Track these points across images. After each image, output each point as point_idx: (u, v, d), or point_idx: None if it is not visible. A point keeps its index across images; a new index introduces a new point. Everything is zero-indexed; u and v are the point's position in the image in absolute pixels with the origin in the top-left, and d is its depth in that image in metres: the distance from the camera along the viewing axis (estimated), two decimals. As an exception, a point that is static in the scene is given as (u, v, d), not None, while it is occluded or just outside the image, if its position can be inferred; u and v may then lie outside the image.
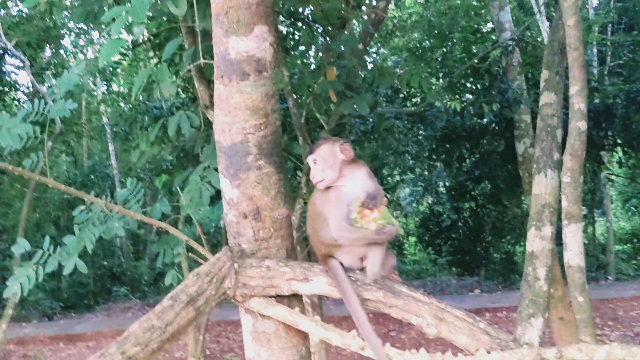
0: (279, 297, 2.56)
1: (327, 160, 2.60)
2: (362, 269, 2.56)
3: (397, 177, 18.84)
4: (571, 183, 3.94)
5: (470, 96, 12.87)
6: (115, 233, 2.90)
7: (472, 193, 16.32)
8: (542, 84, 5.34)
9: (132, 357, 2.24)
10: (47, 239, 2.94)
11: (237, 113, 2.51)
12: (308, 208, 2.71)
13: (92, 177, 18.19)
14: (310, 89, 6.51)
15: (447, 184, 17.58)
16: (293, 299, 2.63)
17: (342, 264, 2.54)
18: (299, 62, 8.07)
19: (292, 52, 7.79)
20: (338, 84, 5.89)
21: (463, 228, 17.41)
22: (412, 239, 20.40)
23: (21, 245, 2.98)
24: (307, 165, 2.67)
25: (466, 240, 17.14)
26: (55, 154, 19.41)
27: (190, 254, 2.76)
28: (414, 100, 13.35)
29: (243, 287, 2.49)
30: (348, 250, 2.55)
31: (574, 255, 3.98)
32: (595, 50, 13.25)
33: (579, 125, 3.90)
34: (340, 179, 2.62)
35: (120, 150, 19.51)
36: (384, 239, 2.53)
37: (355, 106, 5.87)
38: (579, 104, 3.91)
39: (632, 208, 20.64)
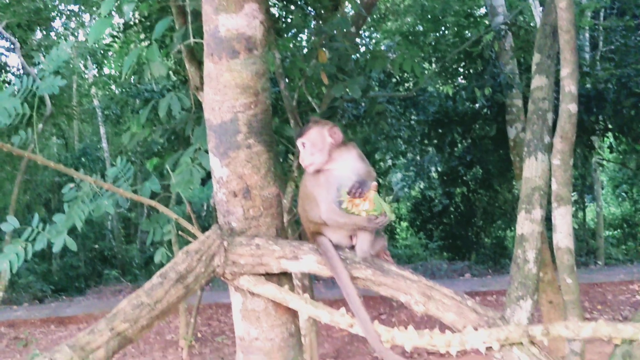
0: (268, 276, 2.57)
1: (316, 144, 2.61)
2: (352, 247, 2.57)
3: (389, 162, 18.85)
4: (561, 166, 3.95)
5: (463, 81, 12.87)
6: (105, 214, 2.90)
7: (464, 178, 16.37)
8: (533, 67, 5.34)
9: (121, 333, 2.25)
10: (37, 216, 2.93)
11: (227, 91, 2.50)
12: (300, 188, 2.71)
13: (83, 159, 18.12)
14: (302, 72, 6.49)
15: (439, 169, 17.61)
16: (282, 277, 2.64)
17: (331, 241, 2.55)
18: (291, 45, 8.04)
19: (285, 35, 7.76)
20: (330, 66, 5.87)
21: (454, 213, 17.48)
22: (404, 224, 20.46)
23: (10, 223, 2.97)
24: (297, 149, 2.66)
25: (457, 225, 17.21)
26: (46, 136, 19.35)
27: (180, 232, 2.76)
28: (406, 85, 13.34)
29: (232, 265, 2.50)
30: (337, 229, 2.56)
31: (563, 237, 4.00)
32: (587, 35, 13.24)
33: (569, 107, 3.90)
34: (330, 162, 2.62)
35: (111, 133, 19.46)
36: (374, 228, 2.53)
37: (347, 89, 5.86)
38: (569, 86, 3.91)
39: (623, 194, 20.73)
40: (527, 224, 5.06)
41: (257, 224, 2.61)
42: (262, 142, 2.58)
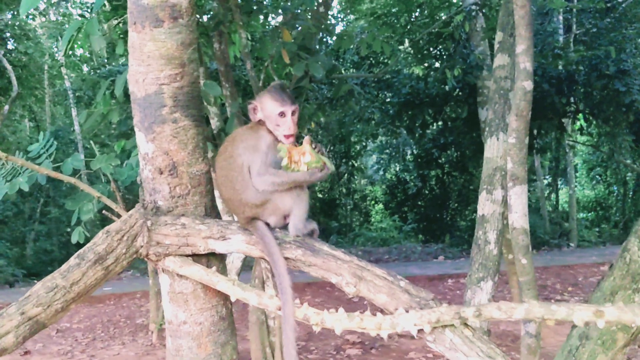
0: (197, 257, 2.45)
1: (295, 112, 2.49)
2: (284, 227, 2.45)
3: (364, 144, 18.83)
4: (516, 144, 3.87)
5: (435, 62, 12.80)
6: (19, 188, 2.76)
7: (439, 161, 16.38)
8: (496, 46, 5.28)
9: (32, 317, 2.14)
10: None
11: (150, 62, 2.36)
12: (218, 173, 2.53)
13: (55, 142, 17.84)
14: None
15: (414, 151, 17.60)
16: (212, 258, 2.52)
17: (268, 225, 2.44)
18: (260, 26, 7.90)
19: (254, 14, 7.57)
20: (292, 45, 5.74)
21: (429, 195, 17.51)
22: (379, 207, 20.46)
23: None
24: (276, 120, 2.49)
25: (432, 207, 17.24)
26: (17, 118, 19.04)
27: (104, 211, 2.63)
28: (381, 67, 13.25)
29: (157, 245, 2.38)
30: (274, 209, 2.43)
31: (518, 217, 3.93)
32: (561, 18, 13.20)
33: (524, 84, 3.83)
34: None
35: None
36: (316, 180, 2.43)
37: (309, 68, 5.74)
38: (524, 63, 3.83)
39: (597, 177, 20.85)
40: (488, 204, 5.02)
41: (185, 202, 2.48)
42: (190, 117, 2.45)
